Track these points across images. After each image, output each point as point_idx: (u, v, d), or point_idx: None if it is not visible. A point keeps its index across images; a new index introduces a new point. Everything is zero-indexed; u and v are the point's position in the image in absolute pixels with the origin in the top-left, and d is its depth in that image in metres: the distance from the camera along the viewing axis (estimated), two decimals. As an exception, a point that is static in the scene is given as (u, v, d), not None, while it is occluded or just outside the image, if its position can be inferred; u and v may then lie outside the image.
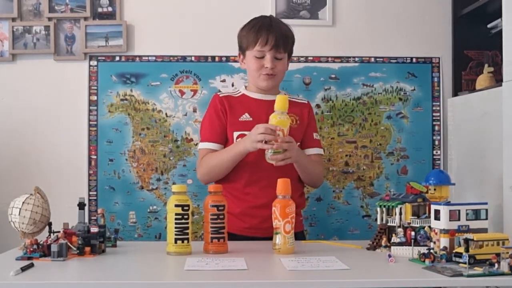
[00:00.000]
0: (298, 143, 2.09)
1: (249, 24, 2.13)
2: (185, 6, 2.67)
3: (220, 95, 2.17)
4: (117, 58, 2.65)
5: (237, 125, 2.09)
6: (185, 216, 1.69)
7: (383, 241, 1.76)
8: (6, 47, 2.64)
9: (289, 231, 1.69)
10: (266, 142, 1.89)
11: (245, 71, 2.20)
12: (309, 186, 2.30)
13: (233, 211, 2.00)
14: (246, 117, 2.11)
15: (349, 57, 2.67)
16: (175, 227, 1.68)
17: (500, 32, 2.13)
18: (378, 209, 1.81)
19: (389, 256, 1.60)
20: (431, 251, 1.55)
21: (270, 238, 1.75)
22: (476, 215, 1.60)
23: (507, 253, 1.44)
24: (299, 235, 2.11)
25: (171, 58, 2.65)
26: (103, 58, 2.64)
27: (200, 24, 2.67)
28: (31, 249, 1.62)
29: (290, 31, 2.14)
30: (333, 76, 2.67)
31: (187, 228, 1.69)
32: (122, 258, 1.68)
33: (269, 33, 2.06)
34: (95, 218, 2.53)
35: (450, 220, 1.57)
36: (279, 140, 1.88)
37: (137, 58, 2.65)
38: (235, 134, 2.09)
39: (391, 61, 2.68)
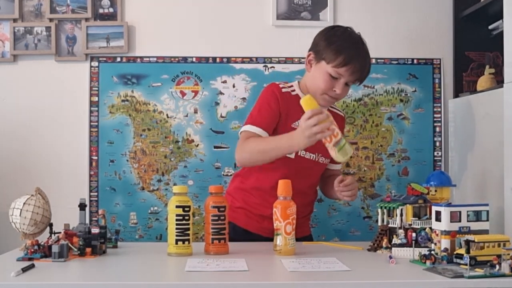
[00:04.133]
0: (329, 159, 2.05)
1: (340, 37, 1.96)
2: (186, 7, 2.67)
3: (282, 90, 1.99)
4: (118, 59, 2.65)
5: (288, 130, 1.90)
6: (186, 217, 1.69)
7: (384, 243, 1.76)
8: (7, 48, 2.64)
9: (290, 232, 1.69)
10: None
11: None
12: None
13: (256, 212, 2.03)
14: (297, 125, 1.90)
15: (350, 58, 2.67)
16: (176, 228, 1.68)
17: (501, 33, 2.13)
18: (379, 210, 1.81)
19: (390, 257, 1.59)
20: (432, 252, 1.55)
21: None
22: (477, 216, 1.60)
23: (508, 254, 1.43)
24: (308, 239, 2.12)
25: (172, 59, 2.65)
26: (104, 59, 2.64)
27: (201, 25, 2.67)
28: (32, 250, 1.62)
29: (370, 64, 2.02)
30: (334, 77, 2.67)
31: (188, 229, 1.69)
32: (123, 259, 1.68)
33: (360, 65, 1.93)
34: (96, 219, 2.53)
35: (451, 222, 1.57)
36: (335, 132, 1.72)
37: (138, 59, 2.65)
38: None
39: (392, 62, 2.68)
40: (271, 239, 1.86)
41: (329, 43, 1.95)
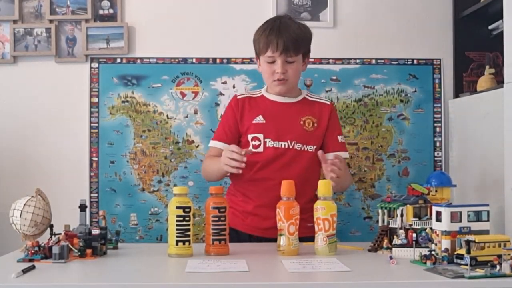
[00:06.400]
0: (316, 146, 2.09)
1: (261, 28, 2.11)
2: (186, 8, 2.67)
3: (238, 97, 2.16)
4: (118, 60, 2.65)
5: (251, 127, 2.09)
6: (186, 218, 1.69)
7: (385, 243, 1.76)
8: (7, 49, 2.64)
9: (293, 232, 1.69)
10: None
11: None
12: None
13: (240, 209, 2.08)
14: (259, 119, 2.10)
15: (350, 59, 2.67)
16: (176, 229, 1.68)
17: (501, 33, 2.13)
18: (380, 210, 1.81)
19: (391, 258, 1.59)
20: (433, 252, 1.55)
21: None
22: (478, 216, 1.60)
23: (509, 254, 1.43)
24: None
25: (172, 60, 2.65)
26: (104, 60, 2.64)
27: (201, 26, 2.67)
28: (33, 251, 1.62)
29: (302, 31, 2.09)
30: (334, 77, 2.67)
31: (188, 230, 1.69)
32: (123, 260, 1.68)
33: (278, 38, 2.02)
34: (96, 220, 2.53)
35: (451, 222, 1.57)
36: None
37: (138, 60, 2.65)
38: (249, 136, 2.09)
39: (392, 62, 2.68)
40: (257, 237, 1.86)
41: (254, 40, 2.13)
